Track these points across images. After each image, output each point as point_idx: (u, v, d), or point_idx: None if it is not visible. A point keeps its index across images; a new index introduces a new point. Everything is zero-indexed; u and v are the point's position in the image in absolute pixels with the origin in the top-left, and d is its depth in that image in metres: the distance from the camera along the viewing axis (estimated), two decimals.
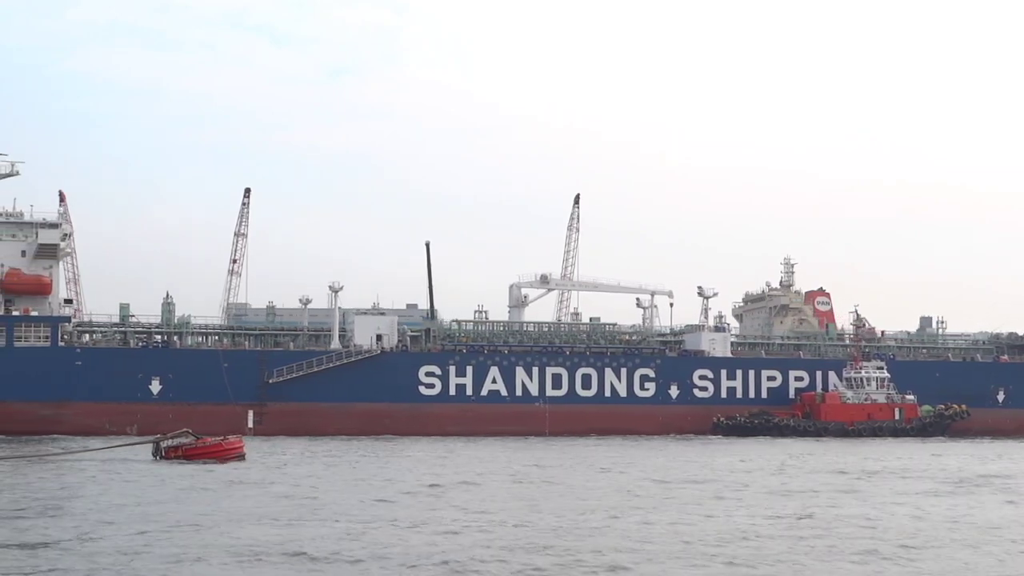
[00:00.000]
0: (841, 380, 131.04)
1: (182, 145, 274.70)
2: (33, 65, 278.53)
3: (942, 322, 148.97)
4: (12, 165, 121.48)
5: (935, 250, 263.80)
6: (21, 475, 64.79)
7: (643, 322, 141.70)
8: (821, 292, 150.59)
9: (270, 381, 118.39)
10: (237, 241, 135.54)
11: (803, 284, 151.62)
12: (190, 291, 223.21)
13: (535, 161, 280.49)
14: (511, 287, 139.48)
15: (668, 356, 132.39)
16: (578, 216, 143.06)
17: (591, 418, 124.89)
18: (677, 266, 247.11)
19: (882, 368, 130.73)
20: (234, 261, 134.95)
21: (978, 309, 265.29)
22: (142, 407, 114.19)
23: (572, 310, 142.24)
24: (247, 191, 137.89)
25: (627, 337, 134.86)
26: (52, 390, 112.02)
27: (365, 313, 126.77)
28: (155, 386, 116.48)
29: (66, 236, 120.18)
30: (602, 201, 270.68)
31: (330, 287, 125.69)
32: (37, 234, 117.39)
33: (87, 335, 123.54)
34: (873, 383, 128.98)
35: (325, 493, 55.69)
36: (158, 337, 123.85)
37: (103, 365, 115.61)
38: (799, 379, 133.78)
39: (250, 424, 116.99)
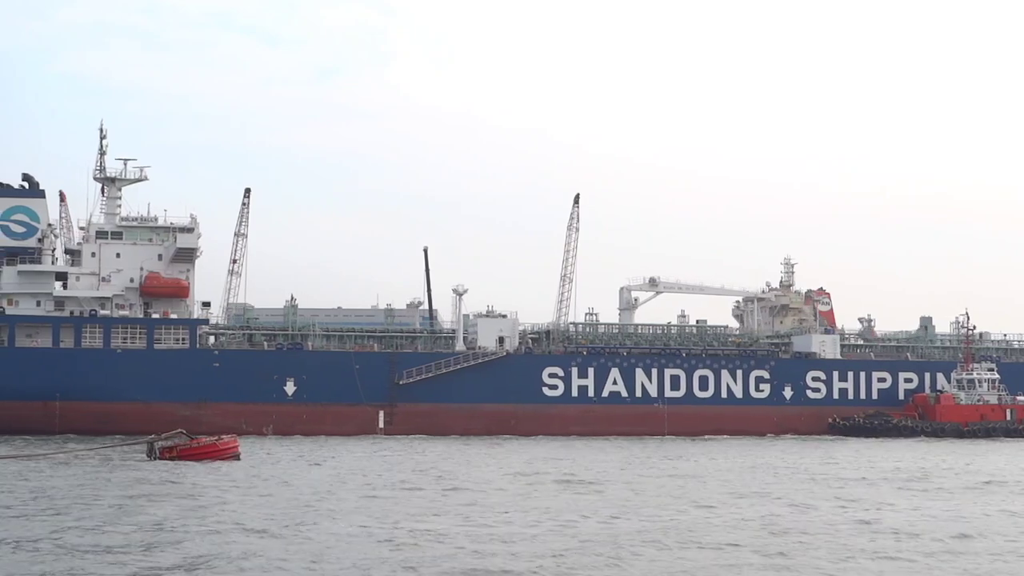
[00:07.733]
0: (950, 381, 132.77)
1: (171, 145, 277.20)
2: (24, 66, 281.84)
3: None
4: (141, 170, 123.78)
5: (935, 251, 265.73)
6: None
7: (743, 324, 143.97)
8: (821, 292, 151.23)
9: (399, 382, 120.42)
10: (237, 241, 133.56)
11: (803, 284, 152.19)
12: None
13: (533, 161, 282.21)
14: (621, 290, 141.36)
15: (782, 358, 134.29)
16: (578, 216, 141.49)
17: (709, 419, 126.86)
18: (678, 266, 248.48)
19: (993, 370, 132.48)
20: (234, 261, 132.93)
21: (978, 310, 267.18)
22: (277, 408, 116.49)
23: (679, 312, 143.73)
24: (247, 191, 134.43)
25: (736, 339, 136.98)
26: (191, 391, 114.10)
27: (487, 316, 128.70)
28: (289, 387, 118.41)
29: (199, 238, 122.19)
30: (601, 204, 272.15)
31: (454, 290, 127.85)
32: (175, 238, 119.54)
33: (212, 337, 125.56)
34: (984, 384, 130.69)
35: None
36: (281, 339, 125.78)
37: (240, 367, 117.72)
38: (908, 380, 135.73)
39: (381, 424, 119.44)
